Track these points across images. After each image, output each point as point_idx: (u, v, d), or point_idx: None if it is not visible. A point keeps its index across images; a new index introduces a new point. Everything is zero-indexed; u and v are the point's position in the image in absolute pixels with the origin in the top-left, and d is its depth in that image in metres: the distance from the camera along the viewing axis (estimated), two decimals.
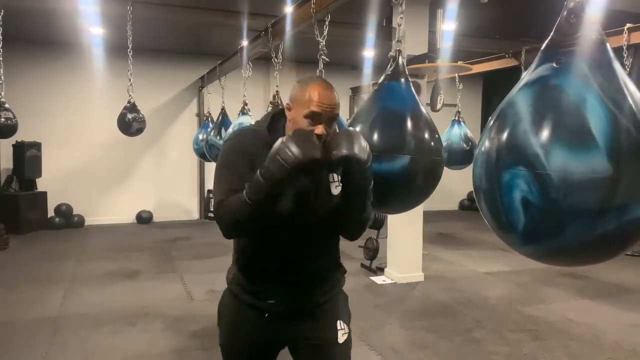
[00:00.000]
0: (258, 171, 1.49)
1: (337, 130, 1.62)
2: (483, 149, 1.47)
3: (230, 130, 5.17)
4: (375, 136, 2.16)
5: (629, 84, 1.32)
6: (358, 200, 1.67)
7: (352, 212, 1.70)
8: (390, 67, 2.33)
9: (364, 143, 1.56)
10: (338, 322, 1.81)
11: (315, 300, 1.77)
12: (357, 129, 2.21)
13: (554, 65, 1.39)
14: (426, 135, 2.22)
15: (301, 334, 1.76)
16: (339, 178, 1.69)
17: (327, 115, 1.57)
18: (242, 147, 1.66)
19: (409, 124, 2.19)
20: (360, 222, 1.73)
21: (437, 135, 2.29)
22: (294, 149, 1.44)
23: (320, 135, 1.53)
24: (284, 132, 1.67)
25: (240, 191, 1.52)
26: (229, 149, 1.69)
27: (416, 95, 2.32)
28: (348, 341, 1.82)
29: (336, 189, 1.69)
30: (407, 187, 2.19)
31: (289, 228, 1.65)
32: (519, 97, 1.42)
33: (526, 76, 1.46)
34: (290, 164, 1.44)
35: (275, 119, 1.73)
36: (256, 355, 1.82)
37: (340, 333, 1.80)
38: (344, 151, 1.51)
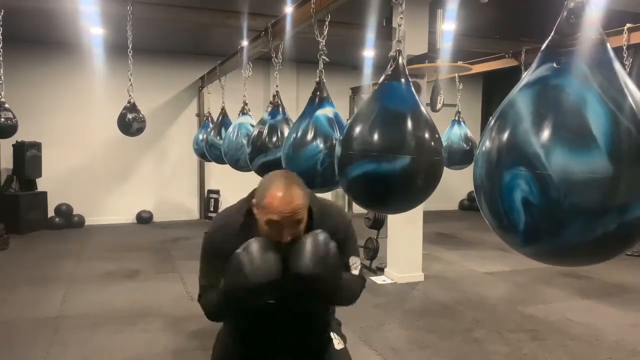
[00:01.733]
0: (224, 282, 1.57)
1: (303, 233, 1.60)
2: (483, 149, 1.47)
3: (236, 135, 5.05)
4: (376, 136, 2.16)
5: (629, 84, 1.32)
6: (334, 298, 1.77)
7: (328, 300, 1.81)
8: (391, 67, 2.33)
9: (313, 256, 1.52)
10: (332, 333, 1.87)
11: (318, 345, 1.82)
12: (357, 129, 2.21)
13: (555, 65, 1.39)
14: (426, 135, 2.22)
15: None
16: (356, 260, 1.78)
17: (287, 222, 1.53)
18: (214, 247, 1.72)
19: (409, 124, 2.19)
20: (348, 302, 1.82)
21: (437, 135, 2.28)
22: (248, 275, 1.47)
23: (285, 244, 1.54)
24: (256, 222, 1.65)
25: (216, 285, 1.62)
26: (205, 246, 1.78)
27: (416, 95, 2.32)
28: (346, 351, 1.87)
29: (356, 270, 1.81)
30: (407, 187, 2.19)
31: (277, 313, 1.71)
32: (520, 98, 1.42)
33: (526, 76, 1.46)
34: (246, 291, 1.50)
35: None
36: None
37: (335, 342, 1.86)
38: (296, 270, 1.52)
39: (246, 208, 1.69)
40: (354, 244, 1.82)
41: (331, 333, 1.84)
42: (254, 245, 1.50)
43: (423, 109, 2.31)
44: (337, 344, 1.82)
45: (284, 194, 1.52)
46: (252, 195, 1.70)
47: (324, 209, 1.73)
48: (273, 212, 1.51)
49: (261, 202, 1.55)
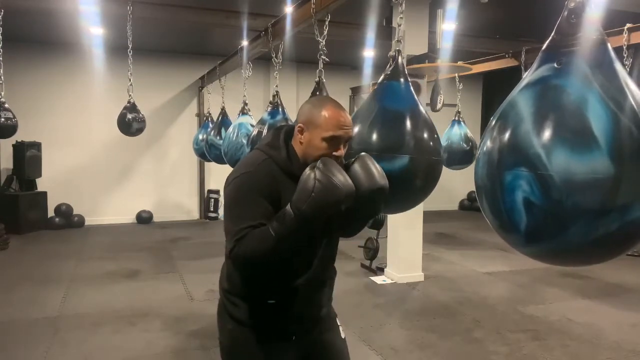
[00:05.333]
0: (289, 207, 1.44)
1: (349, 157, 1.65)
2: (485, 149, 1.47)
3: (236, 139, 4.99)
4: (375, 136, 2.17)
5: (630, 84, 1.32)
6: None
7: (359, 224, 1.78)
8: (390, 67, 2.33)
9: (380, 169, 1.60)
10: (336, 319, 1.86)
11: (324, 306, 1.79)
12: (356, 128, 2.22)
13: (555, 65, 1.39)
14: (425, 135, 2.22)
15: (317, 342, 1.77)
16: None
17: (346, 138, 1.57)
18: (260, 185, 1.54)
19: (408, 124, 2.19)
20: (363, 225, 1.80)
21: (436, 136, 2.29)
22: (337, 187, 1.41)
23: (339, 157, 1.55)
24: (295, 155, 1.60)
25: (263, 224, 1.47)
26: (249, 185, 1.55)
27: (415, 95, 2.32)
28: (345, 339, 1.87)
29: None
30: (406, 187, 2.19)
31: (313, 250, 1.67)
32: (520, 98, 1.42)
33: (527, 77, 1.46)
34: (332, 203, 1.42)
35: (287, 142, 1.64)
36: None
37: (341, 329, 1.85)
38: (379, 183, 1.56)
39: (283, 137, 1.64)
40: None
41: (336, 319, 1.86)
42: (328, 162, 1.46)
43: (422, 108, 2.31)
44: (342, 330, 1.85)
45: (342, 109, 1.58)
46: (276, 138, 1.64)
47: None
48: (335, 125, 1.53)
49: (317, 120, 1.54)
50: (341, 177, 1.43)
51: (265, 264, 1.53)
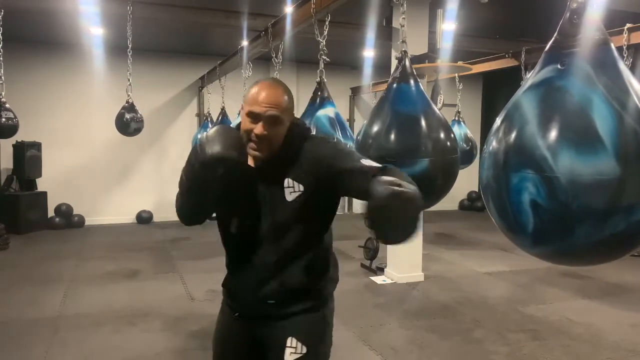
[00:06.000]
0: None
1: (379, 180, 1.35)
2: (490, 151, 1.47)
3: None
4: (392, 142, 2.18)
5: (634, 84, 1.32)
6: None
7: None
8: (398, 69, 2.33)
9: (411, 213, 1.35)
10: (290, 339, 1.64)
11: (279, 312, 1.66)
12: (373, 135, 2.22)
13: (559, 66, 1.39)
14: (441, 136, 2.24)
15: (264, 341, 1.71)
16: (297, 185, 1.58)
17: (265, 115, 1.53)
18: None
19: (424, 126, 2.21)
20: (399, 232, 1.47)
21: (452, 135, 2.30)
22: (201, 149, 1.51)
23: (257, 135, 1.53)
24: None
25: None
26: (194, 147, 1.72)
27: (427, 95, 2.33)
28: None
29: (291, 195, 1.58)
30: (428, 188, 2.20)
31: (255, 234, 1.64)
32: (525, 100, 1.42)
33: (531, 78, 1.46)
34: (198, 161, 1.52)
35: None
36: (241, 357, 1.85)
37: (287, 351, 1.63)
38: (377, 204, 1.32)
39: (237, 123, 1.72)
40: (350, 153, 1.60)
41: (291, 339, 1.64)
42: (215, 129, 1.57)
43: (435, 108, 2.32)
44: (291, 353, 1.63)
45: (269, 87, 1.58)
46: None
47: (316, 139, 1.67)
48: (253, 101, 1.56)
49: (248, 95, 1.60)
50: (216, 146, 1.49)
51: (189, 217, 1.79)
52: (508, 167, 1.38)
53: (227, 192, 1.62)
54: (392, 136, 2.19)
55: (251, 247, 1.66)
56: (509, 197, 1.37)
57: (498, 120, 1.49)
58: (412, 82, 2.30)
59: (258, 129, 1.53)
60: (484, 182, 1.51)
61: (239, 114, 5.81)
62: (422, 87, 2.32)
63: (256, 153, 1.57)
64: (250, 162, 1.62)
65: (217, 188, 1.60)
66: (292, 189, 1.59)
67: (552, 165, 1.27)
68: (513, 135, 1.39)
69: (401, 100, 2.32)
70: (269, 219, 1.62)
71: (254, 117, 1.54)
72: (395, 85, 2.33)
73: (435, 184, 2.23)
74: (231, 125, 1.75)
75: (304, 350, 1.64)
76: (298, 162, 1.59)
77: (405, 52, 2.32)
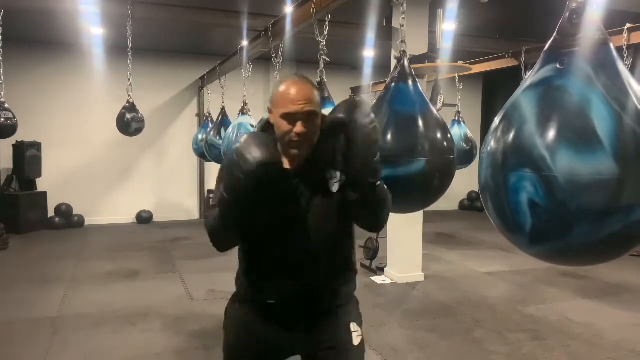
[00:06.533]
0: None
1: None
2: (489, 150, 1.47)
3: (234, 133, 5.08)
4: (389, 141, 2.18)
5: (633, 84, 1.32)
6: (364, 191, 1.57)
7: (361, 206, 1.61)
8: (397, 69, 2.33)
9: (365, 109, 1.53)
10: (351, 324, 1.76)
11: (327, 306, 1.72)
12: None
13: (558, 66, 1.39)
14: (439, 136, 2.24)
15: (315, 340, 1.70)
16: (338, 175, 1.59)
17: (302, 113, 1.51)
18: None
19: (421, 126, 2.21)
20: (376, 215, 1.66)
21: (449, 135, 2.30)
22: (243, 159, 1.44)
23: (299, 134, 1.50)
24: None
25: None
26: (226, 160, 1.63)
27: (425, 96, 2.33)
28: (362, 344, 1.78)
29: (334, 186, 1.59)
30: (424, 189, 2.21)
31: (288, 232, 1.61)
32: (524, 99, 1.42)
33: (530, 77, 1.46)
34: (244, 174, 1.44)
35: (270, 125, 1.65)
36: None
37: (354, 335, 1.75)
38: (340, 115, 1.50)
39: (260, 125, 1.67)
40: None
41: (352, 324, 1.75)
42: (246, 138, 1.51)
43: (433, 108, 2.32)
44: (357, 336, 1.74)
45: (298, 84, 1.54)
46: (259, 123, 1.71)
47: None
48: (287, 101, 1.51)
49: (274, 98, 1.56)
50: (256, 153, 1.45)
51: (225, 239, 1.64)
52: (506, 166, 1.38)
53: (267, 198, 1.54)
54: (389, 136, 2.19)
55: (297, 248, 1.62)
56: (507, 196, 1.37)
57: (496, 120, 1.49)
58: (410, 82, 2.30)
59: (298, 128, 1.51)
60: (482, 182, 1.51)
61: (239, 114, 5.74)
62: (420, 87, 2.31)
63: (297, 152, 1.55)
64: (286, 164, 1.59)
65: (259, 196, 1.52)
66: (335, 179, 1.59)
67: (551, 164, 1.27)
68: (511, 134, 1.39)
69: (399, 100, 2.31)
70: (314, 215, 1.62)
71: (290, 117, 1.51)
72: (393, 84, 2.33)
73: (431, 184, 2.23)
74: (253, 130, 1.73)
75: (361, 332, 1.79)
76: (333, 150, 1.58)
77: (404, 52, 2.32)
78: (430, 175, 2.18)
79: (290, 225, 1.61)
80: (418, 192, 2.15)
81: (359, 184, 1.57)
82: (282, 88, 1.54)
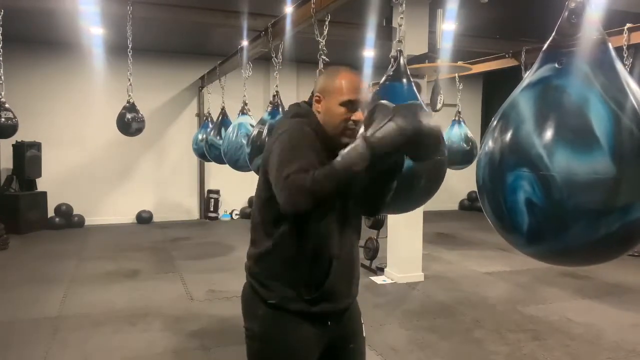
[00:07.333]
0: (363, 139, 1.36)
1: (380, 105, 1.45)
2: (486, 150, 1.47)
3: (245, 124, 4.96)
4: None
5: (631, 84, 1.32)
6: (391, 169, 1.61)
7: (384, 184, 1.64)
8: (392, 67, 2.33)
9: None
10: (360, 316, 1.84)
11: (355, 284, 1.74)
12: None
13: (556, 65, 1.39)
14: None
15: (344, 332, 1.73)
16: None
17: (362, 101, 1.57)
18: (311, 138, 1.53)
19: None
20: (389, 192, 1.67)
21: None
22: (413, 117, 1.37)
23: (358, 122, 1.54)
24: (318, 124, 1.59)
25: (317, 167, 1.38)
26: (304, 133, 1.53)
27: (418, 96, 2.32)
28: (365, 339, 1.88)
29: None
30: (411, 188, 2.19)
31: (342, 224, 1.62)
32: (522, 98, 1.42)
33: (528, 77, 1.46)
34: (410, 131, 1.35)
35: (311, 110, 1.64)
36: None
37: (363, 326, 1.86)
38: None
39: (304, 109, 1.64)
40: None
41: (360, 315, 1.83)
42: (404, 105, 1.45)
43: (426, 109, 2.31)
44: (363, 327, 1.84)
45: (351, 75, 1.58)
46: (296, 108, 1.67)
47: None
48: (350, 89, 1.54)
49: (332, 86, 1.57)
50: (421, 114, 1.40)
51: (327, 201, 1.40)
52: (503, 165, 1.38)
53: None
54: None
55: (342, 237, 1.62)
56: (504, 196, 1.37)
57: (494, 119, 1.49)
58: (404, 81, 2.30)
59: (358, 115, 1.55)
60: (479, 182, 1.51)
61: (239, 114, 5.66)
62: (414, 87, 2.31)
63: (349, 140, 1.53)
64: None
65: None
66: None
67: (548, 163, 1.27)
68: (509, 133, 1.39)
69: (391, 98, 2.31)
70: (353, 206, 1.65)
71: (352, 104, 1.54)
72: (387, 83, 2.33)
73: (418, 184, 2.21)
74: (286, 115, 1.70)
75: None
76: None
77: (401, 51, 2.32)
78: (418, 175, 2.16)
79: (345, 215, 1.62)
80: (405, 191, 2.11)
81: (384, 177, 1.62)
82: (343, 76, 1.58)
